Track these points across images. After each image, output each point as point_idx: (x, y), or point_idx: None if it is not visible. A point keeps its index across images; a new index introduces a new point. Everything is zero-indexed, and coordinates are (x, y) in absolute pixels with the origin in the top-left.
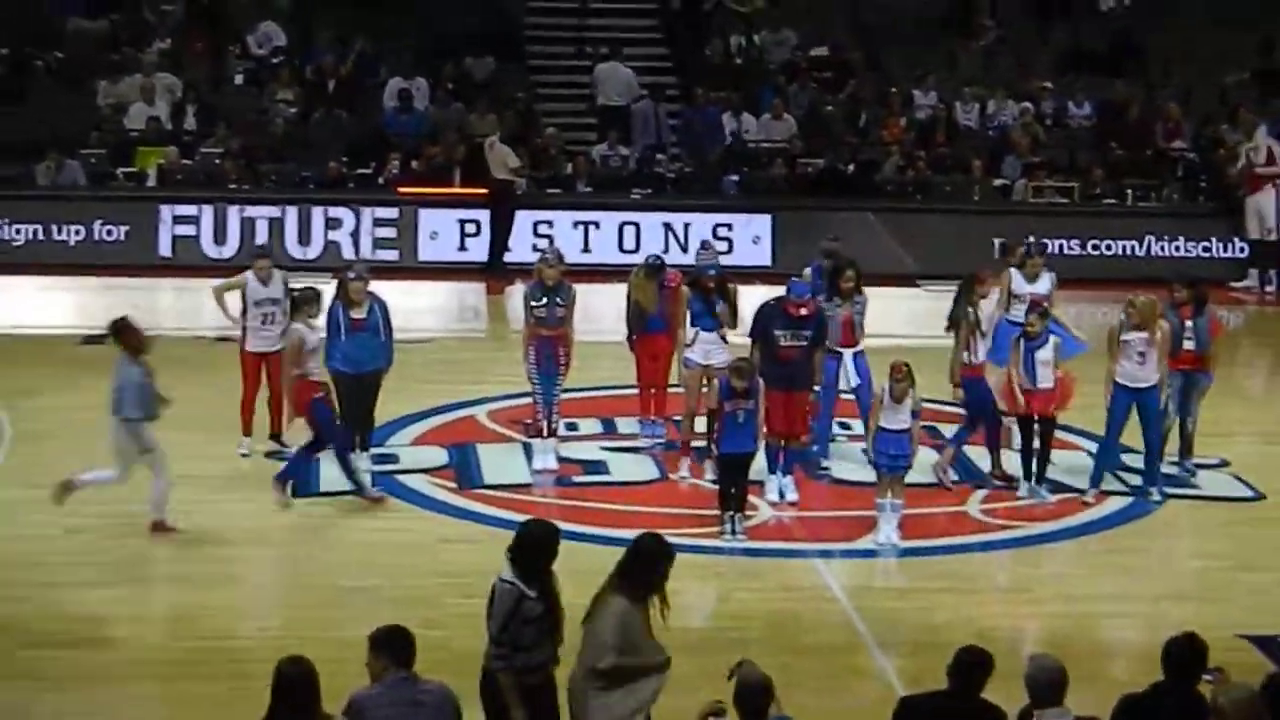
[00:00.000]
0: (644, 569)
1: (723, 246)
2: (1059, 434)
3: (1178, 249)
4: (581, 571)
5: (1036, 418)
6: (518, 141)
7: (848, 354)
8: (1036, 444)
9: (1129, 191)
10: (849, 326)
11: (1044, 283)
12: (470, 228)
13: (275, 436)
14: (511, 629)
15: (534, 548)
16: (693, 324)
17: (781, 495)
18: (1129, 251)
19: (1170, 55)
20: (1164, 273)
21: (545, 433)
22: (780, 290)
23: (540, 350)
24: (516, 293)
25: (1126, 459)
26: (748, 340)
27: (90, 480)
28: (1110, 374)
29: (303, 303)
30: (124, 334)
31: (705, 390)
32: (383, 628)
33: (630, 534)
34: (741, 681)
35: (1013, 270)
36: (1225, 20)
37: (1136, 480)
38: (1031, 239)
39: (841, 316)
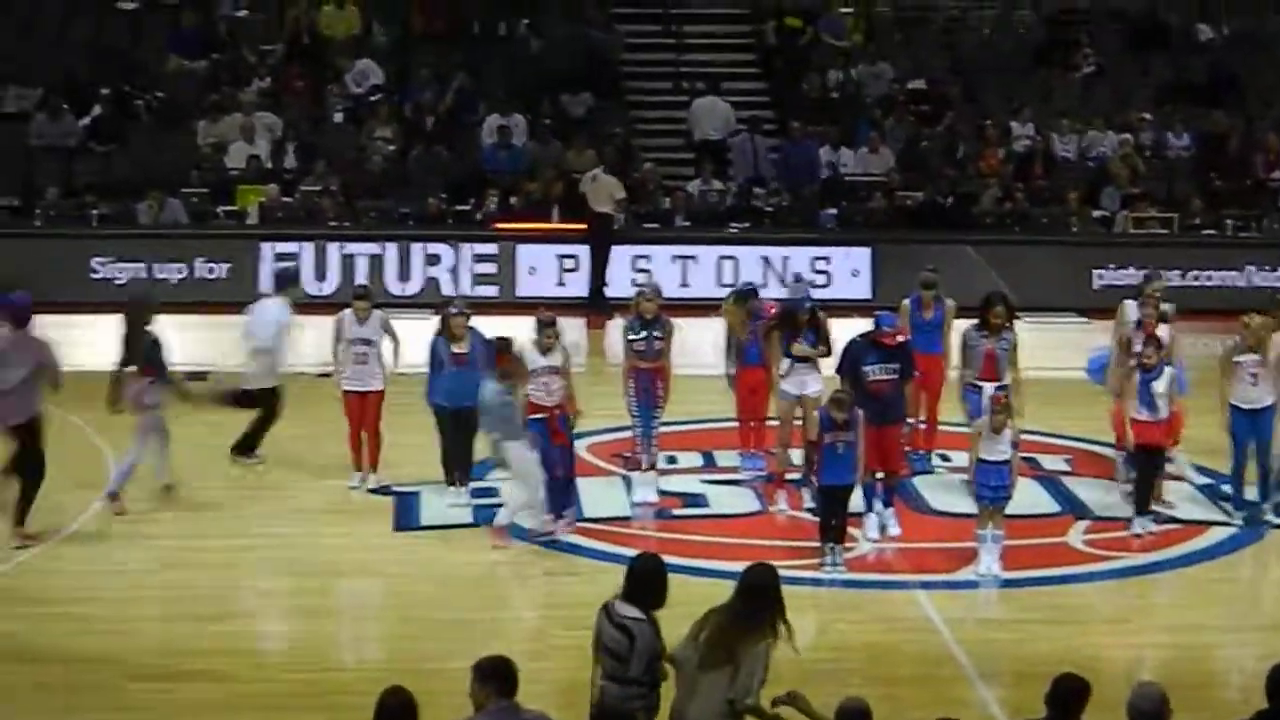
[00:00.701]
0: (776, 600)
1: (821, 280)
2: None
3: (1278, 279)
4: (682, 604)
5: (1149, 448)
6: (619, 175)
7: (989, 387)
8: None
9: (1228, 222)
10: (991, 360)
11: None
12: (569, 263)
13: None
14: (655, 667)
15: (651, 581)
16: (785, 356)
17: (883, 529)
18: (1229, 282)
19: (1269, 85)
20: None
21: (645, 465)
22: None
23: (639, 383)
24: (615, 327)
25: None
26: (836, 375)
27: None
28: (1224, 397)
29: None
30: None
31: (799, 422)
32: (487, 657)
33: (732, 566)
34: (842, 709)
35: (1127, 301)
36: None
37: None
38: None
39: (984, 349)
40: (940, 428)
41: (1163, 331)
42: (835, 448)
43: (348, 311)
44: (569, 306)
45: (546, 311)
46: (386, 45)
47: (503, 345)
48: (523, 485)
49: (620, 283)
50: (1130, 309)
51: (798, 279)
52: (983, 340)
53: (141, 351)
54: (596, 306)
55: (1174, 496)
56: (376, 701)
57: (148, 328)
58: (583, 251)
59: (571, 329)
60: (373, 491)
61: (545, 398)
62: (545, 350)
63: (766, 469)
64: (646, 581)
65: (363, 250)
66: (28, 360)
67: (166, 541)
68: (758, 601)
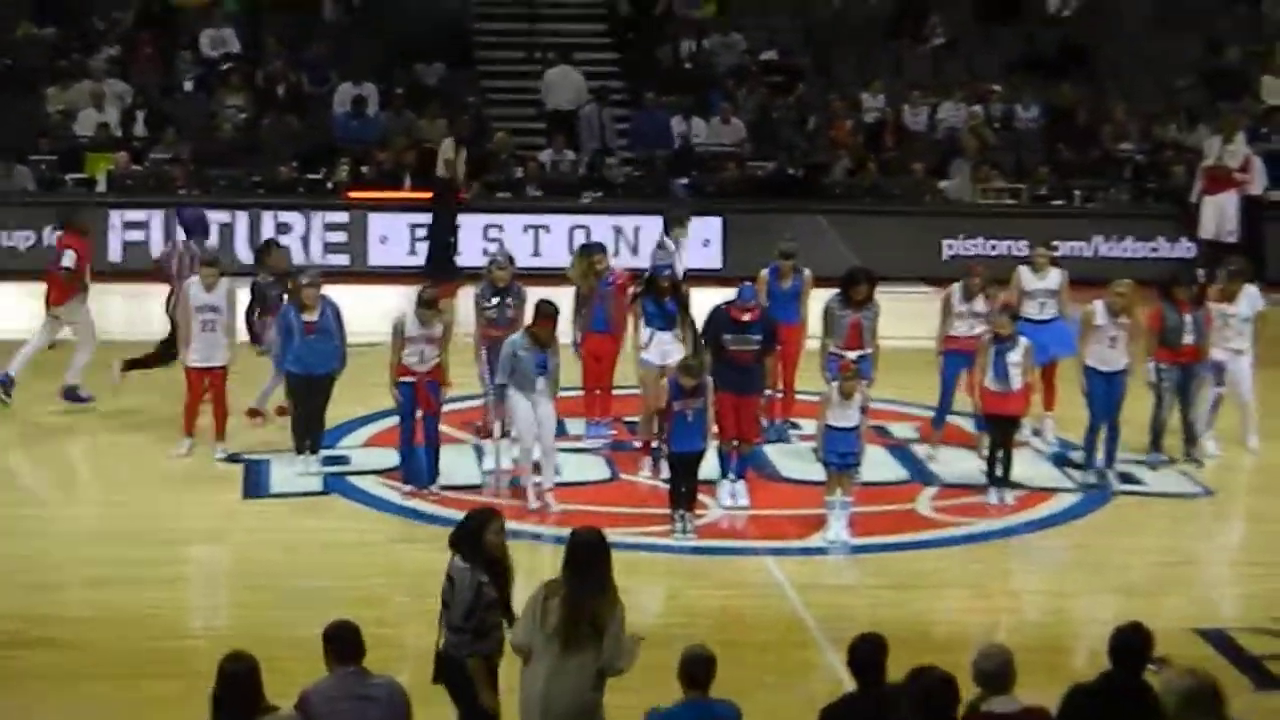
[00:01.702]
0: (609, 562)
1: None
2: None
3: (1125, 249)
4: (534, 570)
5: (1003, 419)
6: (468, 146)
7: (851, 356)
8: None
9: (1076, 193)
10: (857, 330)
11: (1053, 278)
12: (420, 232)
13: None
14: (476, 615)
15: (472, 533)
16: (647, 325)
17: (734, 499)
18: (1077, 252)
19: (1117, 58)
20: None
21: (497, 434)
22: (730, 293)
23: (492, 352)
24: (467, 296)
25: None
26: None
27: None
28: (1082, 359)
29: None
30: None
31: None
32: (333, 623)
33: None
34: (687, 654)
35: (1021, 268)
36: (1170, 22)
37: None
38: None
39: (850, 319)
40: (798, 397)
41: (1053, 279)
42: (685, 415)
43: (194, 279)
44: (419, 275)
45: (429, 289)
46: (237, 13)
47: (546, 309)
48: (517, 436)
49: (473, 252)
50: (1024, 275)
51: (661, 245)
52: (848, 311)
53: None
54: (438, 272)
55: (1023, 464)
56: (217, 667)
57: None
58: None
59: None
60: (222, 460)
61: (418, 364)
62: (425, 322)
63: (614, 437)
64: (465, 533)
65: (213, 218)
66: None
67: (11, 510)
68: (598, 562)
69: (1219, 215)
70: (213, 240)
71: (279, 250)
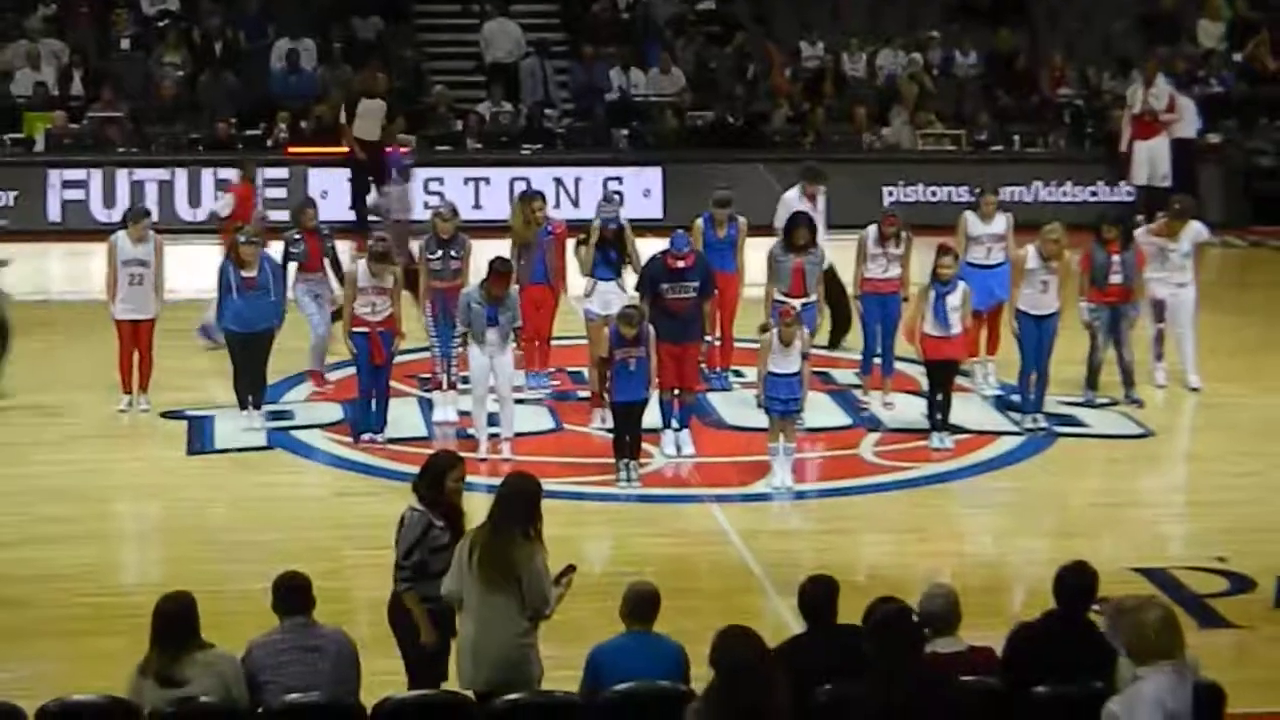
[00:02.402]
0: (535, 509)
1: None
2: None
3: (1065, 194)
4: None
5: (943, 363)
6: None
7: (795, 303)
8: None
9: (1016, 138)
10: (800, 275)
11: (999, 223)
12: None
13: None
14: (418, 555)
15: (434, 474)
16: (592, 275)
17: (678, 449)
18: (1017, 197)
19: (1054, 4)
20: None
21: (445, 385)
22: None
23: (437, 304)
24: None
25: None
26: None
27: None
28: (1013, 303)
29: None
30: None
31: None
32: (281, 574)
33: None
34: (630, 590)
35: (967, 213)
36: None
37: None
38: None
39: (793, 264)
40: (736, 345)
41: (999, 224)
42: (627, 364)
43: (121, 233)
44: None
45: (380, 242)
46: None
47: (499, 266)
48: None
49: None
50: (970, 220)
51: (607, 199)
52: (789, 256)
53: None
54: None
55: (966, 407)
56: (154, 608)
57: None
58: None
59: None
60: (165, 415)
61: (370, 315)
62: (376, 274)
63: (555, 387)
64: (427, 475)
65: (152, 176)
66: None
67: None
68: (516, 509)
69: (1151, 160)
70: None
71: (311, 209)
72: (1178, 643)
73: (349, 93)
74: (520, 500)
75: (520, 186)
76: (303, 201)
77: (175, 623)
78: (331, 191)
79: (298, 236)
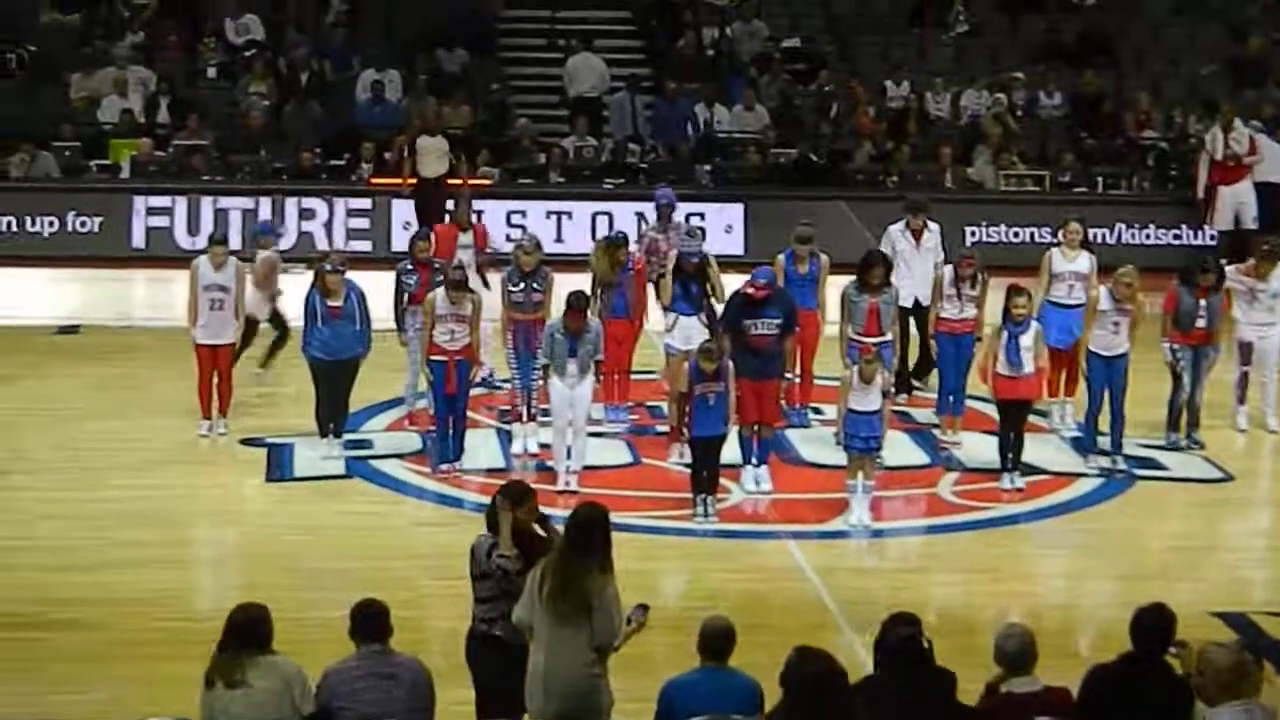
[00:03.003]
0: (606, 540)
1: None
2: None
3: (1148, 236)
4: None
5: (1015, 403)
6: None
7: (871, 342)
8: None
9: (1099, 180)
10: (875, 316)
11: (1083, 262)
12: (445, 219)
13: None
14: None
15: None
16: (672, 309)
17: (757, 484)
18: (1100, 239)
19: (1140, 46)
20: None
21: (525, 418)
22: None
23: (518, 336)
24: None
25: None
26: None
27: None
28: (1084, 342)
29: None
30: None
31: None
32: (359, 601)
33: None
34: (706, 625)
35: (1053, 250)
36: (1193, 10)
37: (1106, 461)
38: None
39: (868, 305)
40: (816, 382)
41: (1083, 262)
42: (706, 399)
43: (203, 258)
44: None
45: (456, 270)
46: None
47: (574, 301)
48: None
49: (497, 238)
50: (1055, 258)
51: (689, 233)
52: (864, 296)
53: None
54: None
55: (1043, 448)
56: (227, 617)
57: None
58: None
59: None
60: (244, 442)
61: (448, 344)
62: (454, 301)
63: (634, 421)
64: (493, 506)
65: (236, 204)
66: None
67: (33, 494)
68: (591, 538)
69: (1235, 204)
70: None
71: (424, 241)
72: (1250, 685)
73: (410, 130)
74: (591, 531)
75: (603, 221)
76: (416, 233)
77: (243, 630)
78: (414, 223)
79: (410, 267)
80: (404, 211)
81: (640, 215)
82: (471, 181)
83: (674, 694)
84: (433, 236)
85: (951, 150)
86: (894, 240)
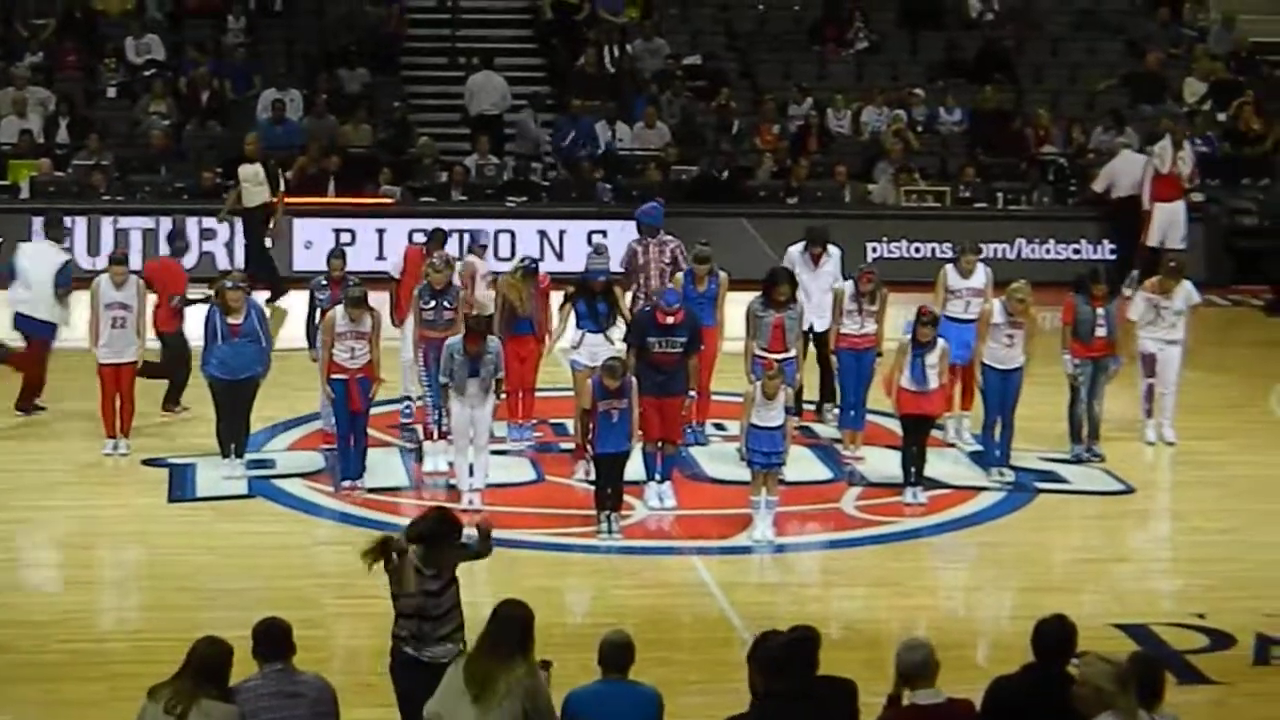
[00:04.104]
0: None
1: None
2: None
3: (1048, 251)
4: (460, 570)
5: (920, 418)
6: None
7: (775, 358)
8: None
9: (1000, 195)
10: (780, 331)
11: (979, 278)
12: (345, 237)
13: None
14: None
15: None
16: (578, 327)
17: (660, 501)
18: (1001, 254)
19: (1039, 61)
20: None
21: (436, 435)
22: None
23: (429, 353)
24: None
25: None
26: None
27: None
28: (979, 356)
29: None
30: None
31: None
32: (261, 620)
33: (508, 534)
34: (606, 639)
35: (948, 267)
36: (1091, 27)
37: (1010, 476)
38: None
39: (773, 320)
40: (713, 398)
41: (979, 278)
42: (610, 416)
43: (104, 277)
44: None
45: (355, 288)
46: (161, 21)
47: (473, 325)
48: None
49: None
50: (950, 274)
51: (598, 250)
52: (769, 312)
53: None
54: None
55: (945, 462)
56: (190, 648)
57: None
58: (358, 227)
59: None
60: (146, 462)
61: (349, 361)
62: (354, 319)
63: (538, 439)
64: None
65: (137, 224)
66: None
67: None
68: (508, 637)
69: (1168, 223)
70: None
71: (339, 260)
72: (1127, 699)
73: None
74: (511, 628)
75: (505, 239)
76: (332, 250)
77: (202, 665)
78: (316, 242)
79: (324, 284)
80: (305, 231)
81: (543, 234)
82: (286, 200)
83: (576, 706)
84: (402, 256)
85: (847, 168)
86: (793, 262)
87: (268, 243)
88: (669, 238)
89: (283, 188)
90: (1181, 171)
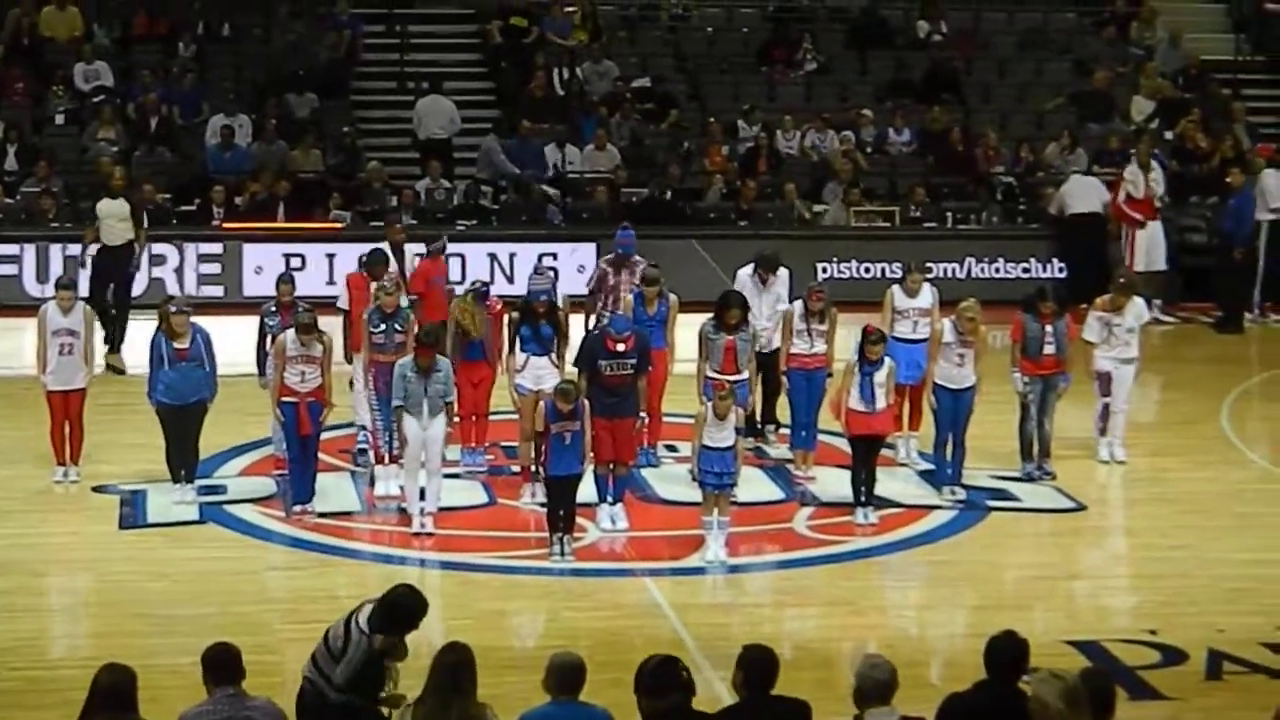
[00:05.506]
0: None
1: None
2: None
3: (997, 270)
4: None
5: (869, 439)
6: (344, 176)
7: (726, 379)
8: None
9: (949, 215)
10: (731, 354)
11: (925, 297)
12: (295, 262)
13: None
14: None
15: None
16: (522, 349)
17: (613, 523)
18: (950, 274)
19: (987, 81)
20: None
21: (387, 459)
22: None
23: (379, 376)
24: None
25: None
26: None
27: None
28: (930, 375)
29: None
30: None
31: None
32: (211, 645)
33: (461, 558)
34: (555, 661)
35: (894, 287)
36: (1038, 47)
37: (962, 495)
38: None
39: (725, 343)
40: (664, 419)
41: (925, 298)
42: (562, 438)
43: (51, 303)
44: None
45: (306, 313)
46: (109, 47)
47: (423, 338)
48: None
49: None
50: (897, 295)
51: (539, 271)
52: (721, 334)
53: None
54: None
55: (896, 481)
56: (92, 680)
57: None
58: (307, 252)
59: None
60: (96, 489)
61: (299, 385)
62: (305, 343)
63: (489, 463)
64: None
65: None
66: None
67: None
68: (455, 681)
69: (1150, 245)
70: None
71: (288, 285)
72: (1076, 714)
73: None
74: (457, 672)
75: (455, 263)
76: (281, 276)
77: (111, 696)
78: (266, 267)
79: (274, 309)
80: (255, 256)
81: (493, 256)
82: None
83: None
84: (345, 287)
85: (797, 187)
86: (743, 285)
87: (137, 284)
88: (638, 259)
89: (145, 224)
90: (1155, 192)
